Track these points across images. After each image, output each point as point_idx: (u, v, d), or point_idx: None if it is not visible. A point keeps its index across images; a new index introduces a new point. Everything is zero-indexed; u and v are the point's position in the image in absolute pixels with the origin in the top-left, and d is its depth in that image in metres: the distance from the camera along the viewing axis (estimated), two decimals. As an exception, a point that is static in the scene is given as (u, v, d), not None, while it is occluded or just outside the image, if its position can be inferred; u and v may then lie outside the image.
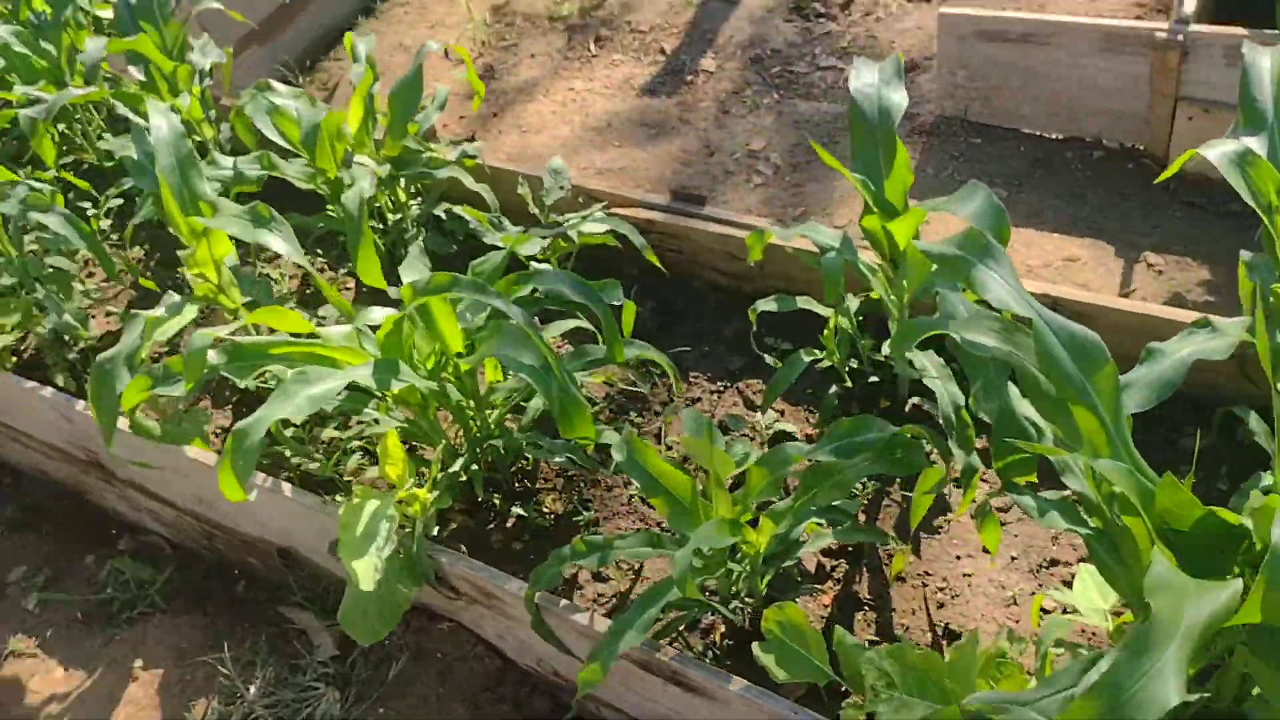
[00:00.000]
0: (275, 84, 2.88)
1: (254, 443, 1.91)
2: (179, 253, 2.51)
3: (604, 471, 2.47)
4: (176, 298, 2.51)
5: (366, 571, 2.00)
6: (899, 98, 2.12)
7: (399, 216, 2.94)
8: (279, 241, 2.28)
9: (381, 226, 3.02)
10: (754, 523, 1.94)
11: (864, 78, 2.15)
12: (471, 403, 2.26)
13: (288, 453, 2.57)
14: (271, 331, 2.28)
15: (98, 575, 2.79)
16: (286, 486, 2.35)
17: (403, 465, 2.13)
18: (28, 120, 3.11)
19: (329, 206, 3.00)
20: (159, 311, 2.46)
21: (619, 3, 4.36)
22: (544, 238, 2.50)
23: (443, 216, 3.05)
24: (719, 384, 2.62)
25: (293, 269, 3.22)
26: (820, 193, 3.26)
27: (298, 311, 2.14)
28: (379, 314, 2.26)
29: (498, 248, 2.61)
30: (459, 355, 2.14)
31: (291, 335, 2.18)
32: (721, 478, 1.91)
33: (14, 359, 3.15)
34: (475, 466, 2.35)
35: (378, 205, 2.99)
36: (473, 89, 3.15)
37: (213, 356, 2.06)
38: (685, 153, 3.53)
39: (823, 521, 1.96)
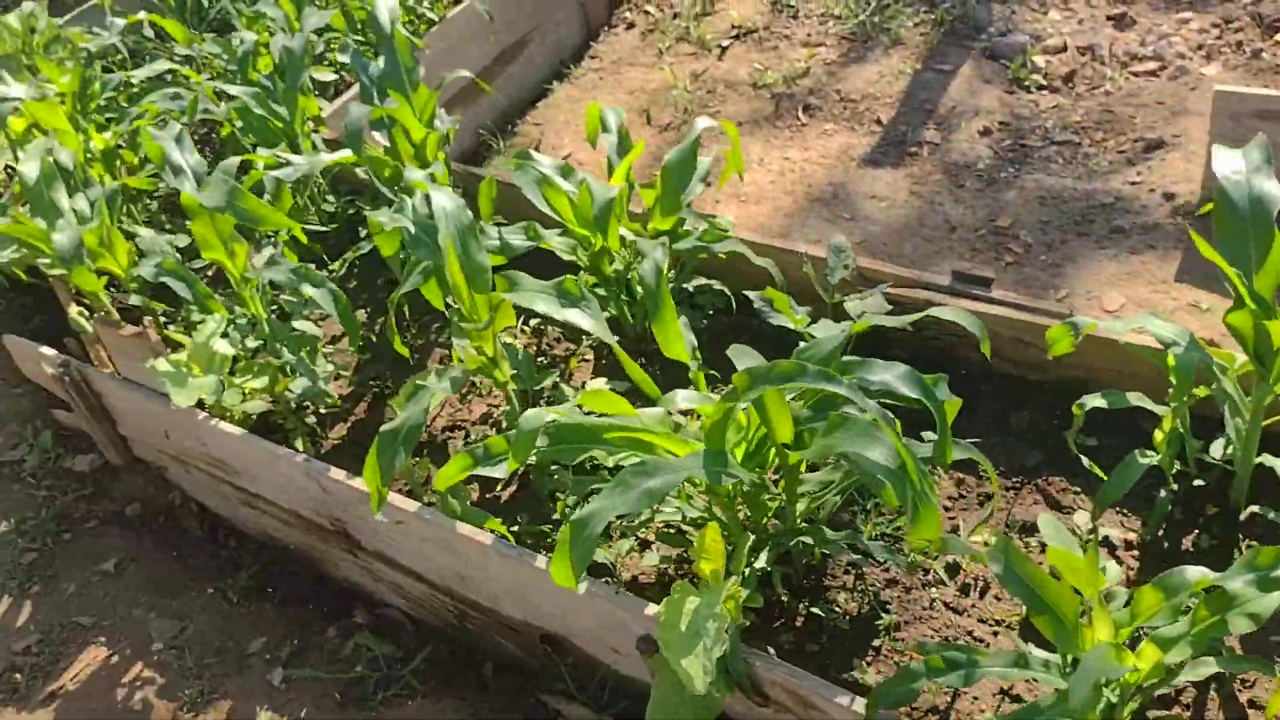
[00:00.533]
0: (536, 154, 2.83)
1: (593, 534, 1.81)
2: (464, 325, 2.44)
3: (898, 568, 2.32)
4: (457, 371, 2.44)
5: (698, 673, 1.88)
6: (1272, 186, 1.97)
7: (653, 289, 2.85)
8: (587, 319, 2.19)
9: (629, 299, 2.94)
10: (1131, 644, 1.78)
11: (1229, 164, 2.00)
12: (784, 495, 2.14)
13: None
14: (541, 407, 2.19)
15: (341, 651, 2.71)
16: (572, 573, 2.24)
17: (721, 561, 2.01)
18: (273, 182, 3.11)
19: (569, 278, 2.93)
20: (444, 385, 2.39)
21: (824, 71, 4.28)
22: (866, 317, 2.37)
23: (690, 290, 2.96)
24: (1014, 480, 2.47)
25: (527, 338, 3.16)
26: (1082, 274, 3.10)
27: (619, 395, 2.04)
28: (685, 398, 2.15)
29: (787, 329, 2.51)
30: (785, 447, 2.02)
31: (600, 415, 2.09)
32: (1097, 594, 1.75)
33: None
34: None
35: (627, 277, 2.90)
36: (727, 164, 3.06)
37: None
38: (924, 227, 3.40)
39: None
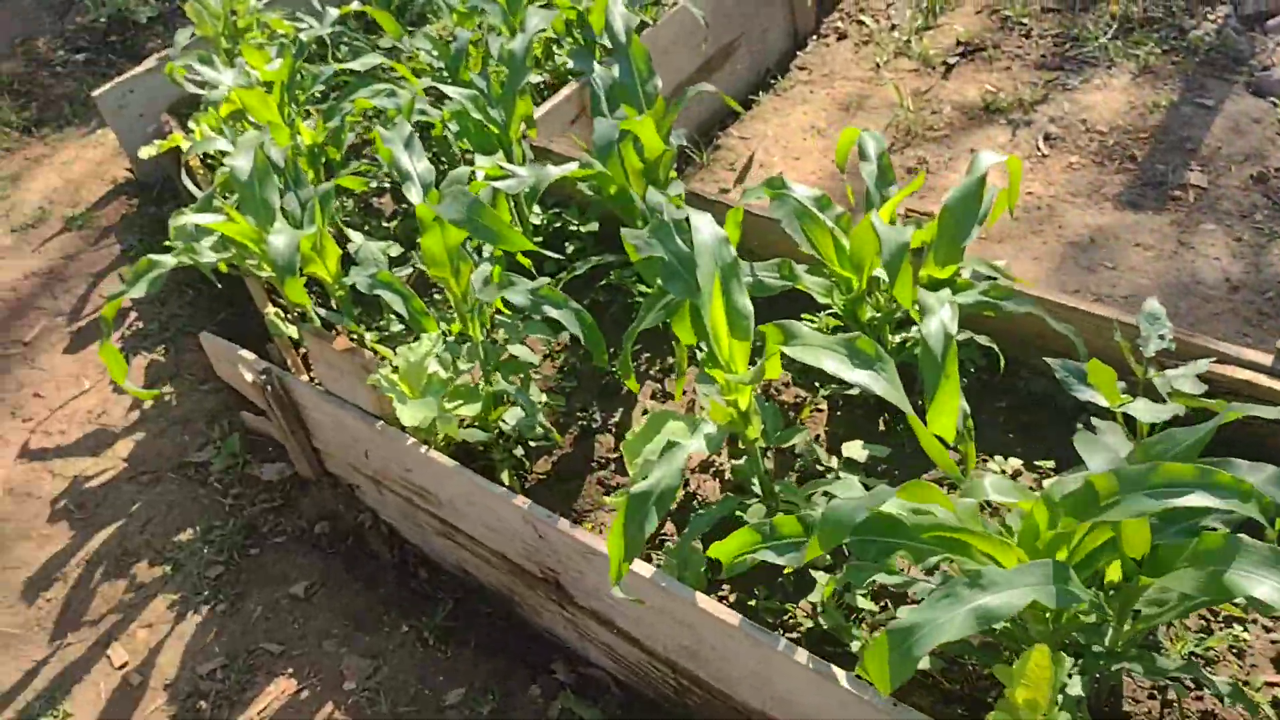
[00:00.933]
0: (793, 183, 2.56)
1: (916, 653, 1.53)
2: (722, 376, 2.18)
3: (1223, 700, 1.99)
4: (712, 427, 2.18)
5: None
6: None
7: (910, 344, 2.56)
8: (881, 384, 1.90)
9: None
10: None
11: None
12: (1113, 616, 1.82)
13: (819, 622, 2.19)
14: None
15: (546, 713, 2.49)
16: (840, 674, 1.96)
17: (1045, 690, 1.71)
18: (490, 193, 2.91)
19: (860, 335, 2.66)
20: (698, 444, 2.13)
21: (1066, 97, 3.91)
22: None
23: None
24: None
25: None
26: (1402, 355, 2.69)
27: (938, 487, 1.75)
28: (995, 487, 1.86)
29: (1094, 404, 2.18)
30: (1136, 563, 1.71)
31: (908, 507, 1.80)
32: None
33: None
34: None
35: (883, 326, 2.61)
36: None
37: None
38: (1200, 284, 3.03)
39: None
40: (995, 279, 2.55)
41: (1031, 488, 2.48)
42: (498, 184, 2.77)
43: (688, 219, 2.27)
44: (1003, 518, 2.03)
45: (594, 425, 2.91)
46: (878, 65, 4.31)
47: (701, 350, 2.51)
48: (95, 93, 4.18)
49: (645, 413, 2.92)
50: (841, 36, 4.55)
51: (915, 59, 4.28)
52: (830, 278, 2.55)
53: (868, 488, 2.29)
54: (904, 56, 4.32)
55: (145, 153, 4.00)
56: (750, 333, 2.18)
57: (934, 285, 2.38)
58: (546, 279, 3.19)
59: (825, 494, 2.31)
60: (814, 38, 4.62)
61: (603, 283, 3.21)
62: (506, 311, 2.93)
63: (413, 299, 2.74)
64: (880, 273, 2.53)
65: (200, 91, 3.58)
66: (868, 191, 2.64)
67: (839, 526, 1.65)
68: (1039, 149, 3.72)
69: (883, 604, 2.28)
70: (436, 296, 3.36)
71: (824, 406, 2.78)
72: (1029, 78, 4.06)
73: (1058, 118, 3.82)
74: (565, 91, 3.72)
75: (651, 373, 3.02)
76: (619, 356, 3.01)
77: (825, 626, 2.15)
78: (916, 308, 2.45)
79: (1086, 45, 4.14)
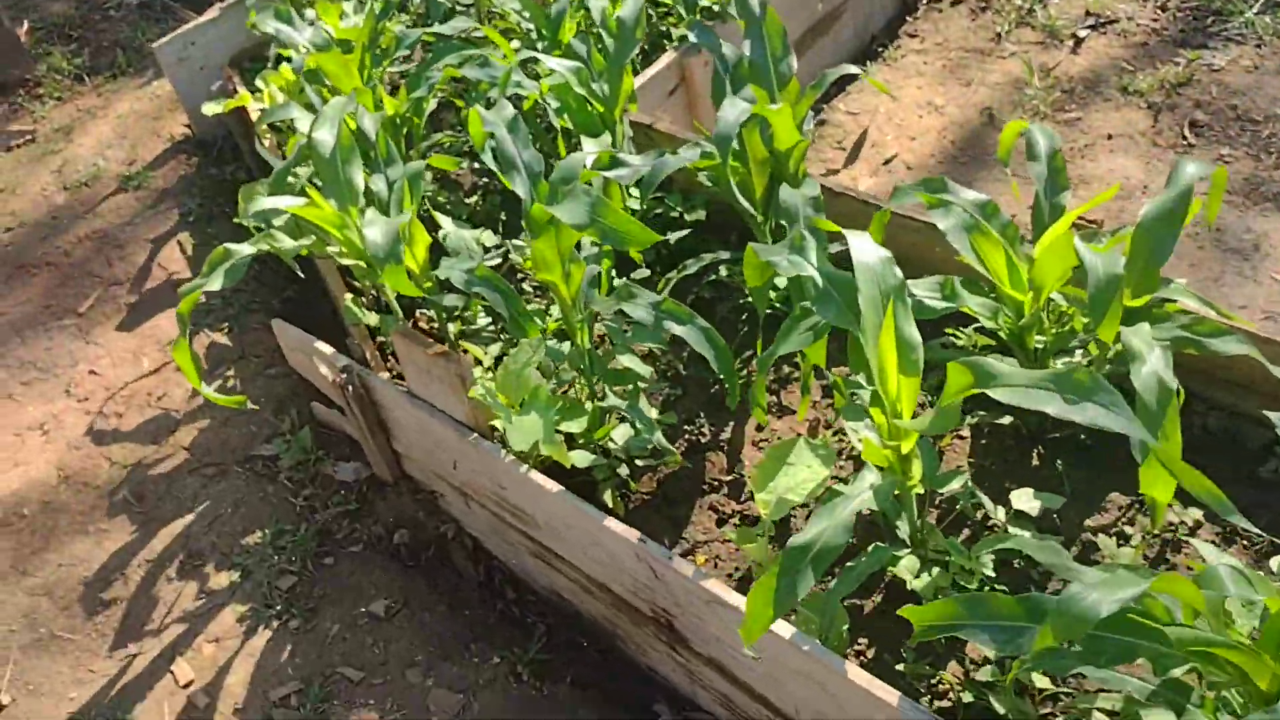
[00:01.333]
0: (957, 186, 2.25)
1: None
2: (880, 416, 1.90)
3: None
4: (875, 476, 1.91)
5: None
6: None
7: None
8: (1118, 419, 1.54)
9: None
10: None
11: None
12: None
13: (982, 695, 1.93)
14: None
15: (657, 768, 2.25)
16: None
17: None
18: (600, 183, 2.61)
19: (1079, 367, 2.37)
20: (864, 495, 1.86)
21: (1211, 80, 3.55)
22: None
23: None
24: None
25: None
26: None
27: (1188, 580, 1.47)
28: (1234, 577, 1.57)
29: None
30: None
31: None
32: None
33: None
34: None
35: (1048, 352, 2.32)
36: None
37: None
38: (1389, 306, 2.71)
39: None
40: (1174, 300, 2.24)
41: (1213, 542, 2.19)
42: (609, 173, 2.49)
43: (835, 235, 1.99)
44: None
45: (703, 440, 2.64)
46: (998, 35, 3.96)
47: (827, 372, 2.23)
48: (155, 45, 3.89)
49: (759, 428, 2.65)
50: (956, 1, 4.19)
51: (1040, 30, 3.92)
52: (991, 295, 2.25)
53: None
54: (1027, 26, 3.96)
55: (209, 109, 3.73)
56: (920, 367, 1.89)
57: (1127, 316, 2.07)
58: (647, 273, 2.92)
59: (999, 553, 2.04)
60: (924, 2, 4.26)
61: (711, 278, 2.92)
62: (609, 311, 2.66)
63: (515, 300, 2.46)
64: (1057, 295, 2.24)
65: (275, 37, 3.27)
66: (1037, 196, 2.33)
67: (1079, 621, 1.38)
68: (1185, 137, 3.38)
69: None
70: (525, 286, 3.08)
71: (966, 433, 2.49)
72: (1168, 55, 3.69)
73: (1204, 102, 3.47)
74: (665, 59, 3.41)
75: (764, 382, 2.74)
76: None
77: (1001, 711, 1.89)
78: (1089, 337, 2.16)
79: (1231, 20, 3.77)
